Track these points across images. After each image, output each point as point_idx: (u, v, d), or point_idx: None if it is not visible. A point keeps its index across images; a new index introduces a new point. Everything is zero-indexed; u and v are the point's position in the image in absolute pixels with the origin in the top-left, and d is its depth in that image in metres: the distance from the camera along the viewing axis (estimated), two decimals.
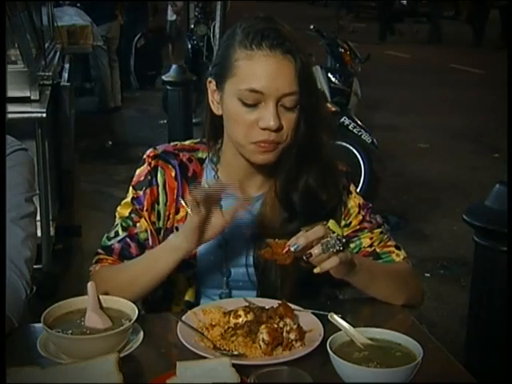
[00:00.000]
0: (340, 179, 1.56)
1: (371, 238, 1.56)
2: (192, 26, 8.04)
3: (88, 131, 6.62)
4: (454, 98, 9.02)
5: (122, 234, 1.52)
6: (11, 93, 3.14)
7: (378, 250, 1.56)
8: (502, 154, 6.19)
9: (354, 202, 1.57)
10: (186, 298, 1.53)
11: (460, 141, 6.96)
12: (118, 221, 1.54)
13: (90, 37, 6.39)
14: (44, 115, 3.21)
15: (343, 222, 1.56)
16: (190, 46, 7.70)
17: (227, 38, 1.45)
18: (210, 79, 1.47)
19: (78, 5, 7.36)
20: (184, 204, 1.35)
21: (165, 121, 6.65)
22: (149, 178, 1.53)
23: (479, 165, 6.09)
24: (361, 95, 5.23)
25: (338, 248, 1.27)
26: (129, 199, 1.54)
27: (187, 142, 1.61)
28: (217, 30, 3.99)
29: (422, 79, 10.50)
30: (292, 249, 1.28)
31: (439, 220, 4.76)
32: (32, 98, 3.32)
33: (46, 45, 4.48)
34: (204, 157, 1.57)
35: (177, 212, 1.53)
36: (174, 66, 5.90)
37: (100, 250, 1.54)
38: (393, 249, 1.57)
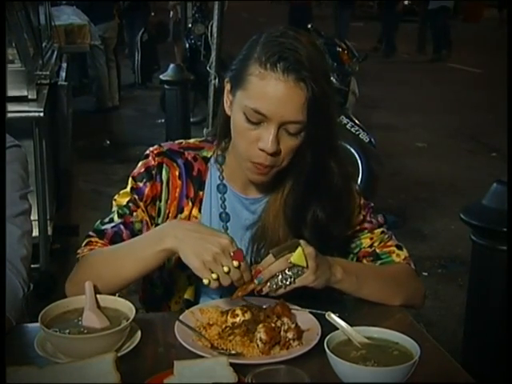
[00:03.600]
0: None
1: (371, 239, 1.56)
2: (190, 26, 8.04)
3: (86, 131, 6.62)
4: (452, 97, 9.04)
5: (116, 221, 1.51)
6: (9, 92, 3.14)
7: (377, 251, 1.56)
8: (500, 153, 6.21)
9: (354, 202, 1.56)
10: (186, 296, 1.53)
11: (458, 140, 6.97)
12: (114, 208, 1.54)
13: (88, 36, 6.39)
14: (41, 114, 3.21)
15: None
16: (187, 46, 7.69)
17: (249, 45, 1.41)
18: (227, 79, 1.46)
19: (74, 6, 7.35)
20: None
21: (162, 120, 6.66)
22: (152, 172, 1.52)
23: (477, 164, 6.10)
24: (358, 94, 5.24)
25: (285, 287, 1.32)
26: (128, 189, 1.54)
27: (192, 141, 1.61)
28: (214, 30, 3.99)
29: (420, 78, 10.51)
30: (256, 281, 1.32)
31: (437, 219, 4.77)
32: (29, 97, 3.32)
33: (44, 44, 4.47)
34: (209, 156, 1.57)
35: (181, 211, 1.53)
36: (171, 66, 5.90)
37: (91, 233, 1.53)
38: (393, 249, 1.57)
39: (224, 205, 1.54)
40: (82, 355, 1.16)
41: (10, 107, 3.11)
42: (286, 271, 1.31)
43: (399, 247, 1.58)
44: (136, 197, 1.52)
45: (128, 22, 9.18)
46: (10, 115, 3.02)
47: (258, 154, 1.38)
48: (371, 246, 1.56)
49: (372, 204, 1.60)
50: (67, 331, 1.22)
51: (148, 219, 1.53)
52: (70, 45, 6.18)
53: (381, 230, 1.57)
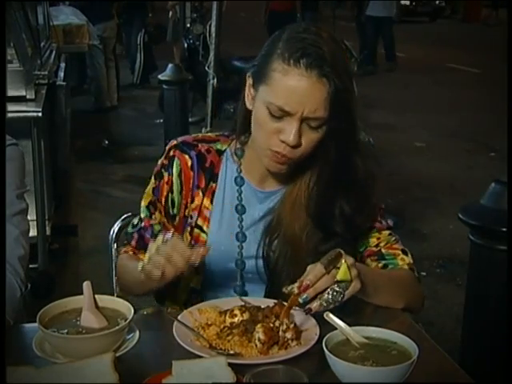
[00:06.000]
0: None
1: (378, 239, 1.57)
2: (188, 26, 8.04)
3: (84, 130, 6.61)
4: (450, 97, 9.04)
5: (140, 224, 1.60)
6: (7, 92, 3.13)
7: (383, 251, 1.56)
8: (498, 152, 6.21)
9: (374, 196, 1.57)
10: (192, 284, 1.56)
11: (456, 140, 6.97)
12: (141, 209, 1.61)
13: (86, 36, 6.38)
14: (40, 114, 3.21)
15: None
16: (186, 46, 7.69)
17: (272, 41, 1.43)
18: (249, 74, 1.48)
19: (68, 3, 7.33)
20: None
21: (161, 120, 6.65)
22: (165, 167, 1.58)
23: (475, 164, 6.10)
24: (357, 94, 5.23)
25: (336, 304, 1.28)
26: (150, 189, 1.60)
27: (209, 134, 1.65)
28: (213, 29, 3.99)
29: (419, 78, 10.51)
30: (301, 300, 1.28)
31: (435, 219, 4.77)
32: (28, 97, 3.33)
33: (42, 44, 4.47)
34: (223, 148, 1.59)
35: (192, 201, 1.57)
36: (170, 66, 5.90)
37: (126, 236, 1.65)
38: (398, 252, 1.57)
39: (240, 197, 1.56)
40: (80, 355, 1.16)
41: (9, 107, 3.11)
42: (336, 287, 1.27)
43: (405, 252, 1.58)
44: (156, 198, 1.59)
45: (126, 21, 9.16)
46: (8, 115, 3.02)
47: (278, 144, 1.40)
48: (377, 245, 1.57)
49: (383, 206, 1.61)
50: (65, 331, 1.22)
51: (165, 219, 1.58)
52: (69, 45, 6.17)
53: (388, 232, 1.58)
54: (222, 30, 4.04)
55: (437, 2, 20.86)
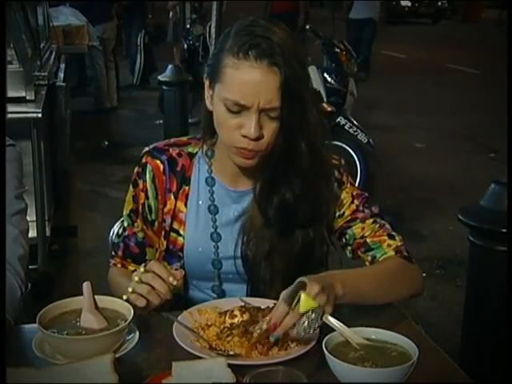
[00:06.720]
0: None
1: (363, 229, 1.56)
2: (188, 26, 8.04)
3: (84, 131, 6.61)
4: (450, 98, 9.04)
5: (124, 233, 1.61)
6: (7, 93, 3.13)
7: (368, 241, 1.56)
8: (498, 153, 6.21)
9: (346, 192, 1.57)
10: (174, 291, 1.54)
11: (456, 140, 6.97)
12: (123, 218, 1.62)
13: (86, 37, 6.39)
14: (39, 115, 3.21)
15: (337, 213, 1.56)
16: (185, 46, 7.69)
17: (222, 38, 1.44)
18: (205, 75, 1.49)
19: (68, 4, 7.33)
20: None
21: (161, 121, 6.65)
22: (140, 175, 1.58)
23: (475, 164, 6.10)
24: (357, 95, 5.24)
25: (317, 326, 1.23)
26: (129, 197, 1.60)
27: (182, 138, 1.65)
28: (213, 30, 3.98)
29: (418, 79, 10.51)
30: (272, 339, 1.23)
31: (435, 220, 4.77)
32: (27, 98, 3.32)
33: (42, 45, 4.47)
34: (194, 151, 1.59)
35: (164, 205, 1.57)
36: (169, 66, 5.90)
37: (113, 246, 1.64)
38: (384, 238, 1.56)
39: (212, 197, 1.57)
40: (80, 356, 1.16)
41: (8, 108, 3.11)
42: (311, 315, 1.22)
43: (391, 236, 1.57)
44: (136, 206, 1.59)
45: (126, 22, 9.16)
46: (8, 116, 3.02)
47: (240, 140, 1.40)
48: (362, 236, 1.56)
49: (366, 194, 1.60)
50: (65, 332, 1.22)
51: (145, 226, 1.59)
52: (69, 46, 6.18)
53: (372, 219, 1.57)
54: (221, 31, 4.03)
55: (439, 3, 20.65)
